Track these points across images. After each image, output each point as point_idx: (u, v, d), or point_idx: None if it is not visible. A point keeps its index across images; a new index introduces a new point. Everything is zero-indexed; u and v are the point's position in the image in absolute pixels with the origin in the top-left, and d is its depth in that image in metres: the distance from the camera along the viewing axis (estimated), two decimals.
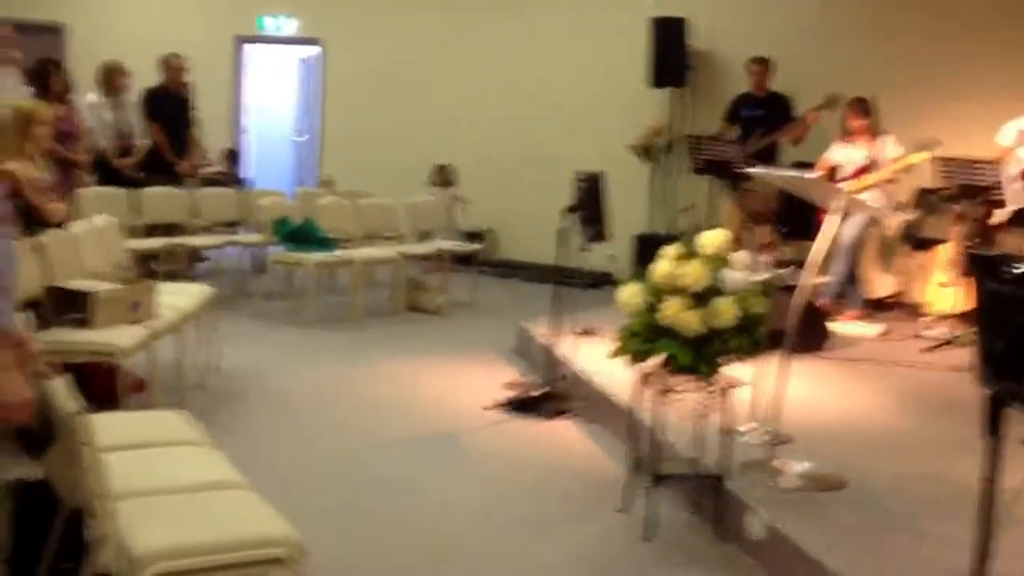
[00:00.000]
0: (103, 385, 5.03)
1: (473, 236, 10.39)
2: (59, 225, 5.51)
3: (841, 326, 7.40)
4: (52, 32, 12.14)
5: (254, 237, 9.07)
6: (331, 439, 5.28)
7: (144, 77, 9.04)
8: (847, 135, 7.84)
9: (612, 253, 9.31)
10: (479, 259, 9.59)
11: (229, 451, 3.44)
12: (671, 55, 9.92)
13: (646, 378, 4.11)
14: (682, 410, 4.11)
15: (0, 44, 7.24)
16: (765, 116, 8.89)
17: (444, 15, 11.54)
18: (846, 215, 4.96)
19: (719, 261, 4.00)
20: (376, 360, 6.96)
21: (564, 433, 5.58)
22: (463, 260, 9.56)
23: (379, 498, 4.51)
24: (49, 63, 7.93)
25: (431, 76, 11.57)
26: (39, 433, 2.71)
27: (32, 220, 5.31)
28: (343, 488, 4.61)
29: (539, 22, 11.05)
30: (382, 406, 5.91)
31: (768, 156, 8.62)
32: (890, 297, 8.56)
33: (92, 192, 8.01)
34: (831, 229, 4.44)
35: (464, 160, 11.13)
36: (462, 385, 6.42)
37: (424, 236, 9.47)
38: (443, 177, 10.52)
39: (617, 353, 4.13)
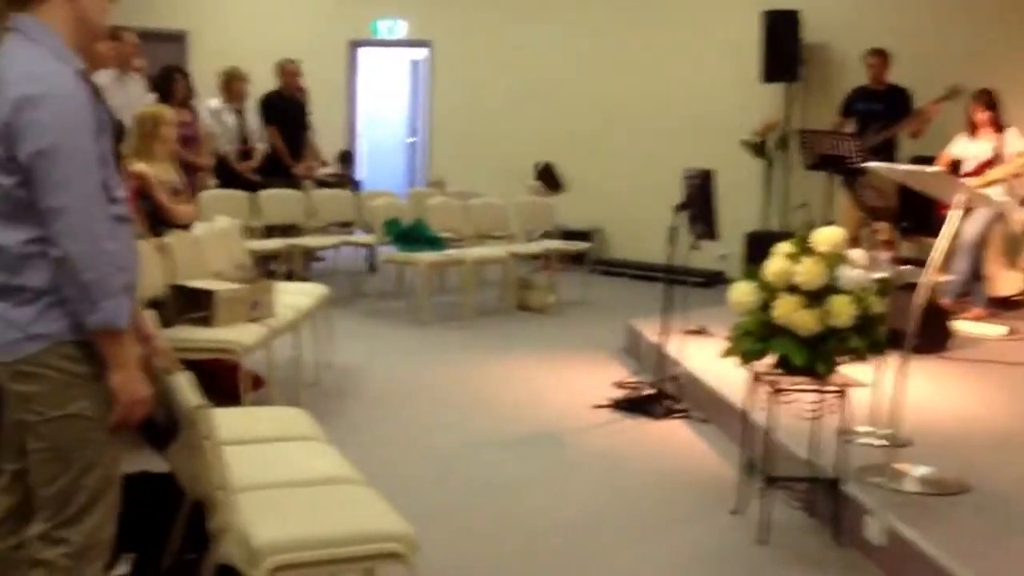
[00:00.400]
0: (224, 381, 5.17)
1: (582, 235, 10.38)
2: (186, 227, 5.69)
3: (964, 326, 7.17)
4: (175, 39, 12.53)
5: (367, 237, 9.22)
6: (441, 436, 5.33)
7: (262, 82, 9.26)
8: (971, 128, 7.61)
9: (723, 251, 9.24)
10: (589, 258, 9.58)
11: (342, 447, 3.51)
12: (784, 49, 9.76)
13: (759, 378, 4.06)
14: (797, 411, 4.04)
15: (127, 52, 7.49)
16: (883, 110, 8.68)
17: (550, 14, 11.54)
18: (969, 211, 4.82)
19: (835, 258, 3.92)
20: (486, 359, 7.01)
21: (675, 434, 5.53)
22: (572, 259, 9.56)
23: (488, 497, 4.54)
24: (173, 70, 8.20)
25: (538, 74, 11.60)
26: (164, 427, 2.80)
27: (160, 221, 5.49)
28: (452, 486, 4.66)
29: (648, 17, 10.98)
30: (491, 404, 5.95)
31: (886, 151, 8.41)
32: (1016, 296, 8.27)
33: (214, 195, 8.25)
34: (953, 225, 4.31)
35: (573, 158, 11.13)
36: (571, 384, 6.42)
37: (533, 236, 9.50)
38: (546, 175, 10.52)
39: (729, 353, 4.08)
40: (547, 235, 9.56)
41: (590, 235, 10.74)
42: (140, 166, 5.46)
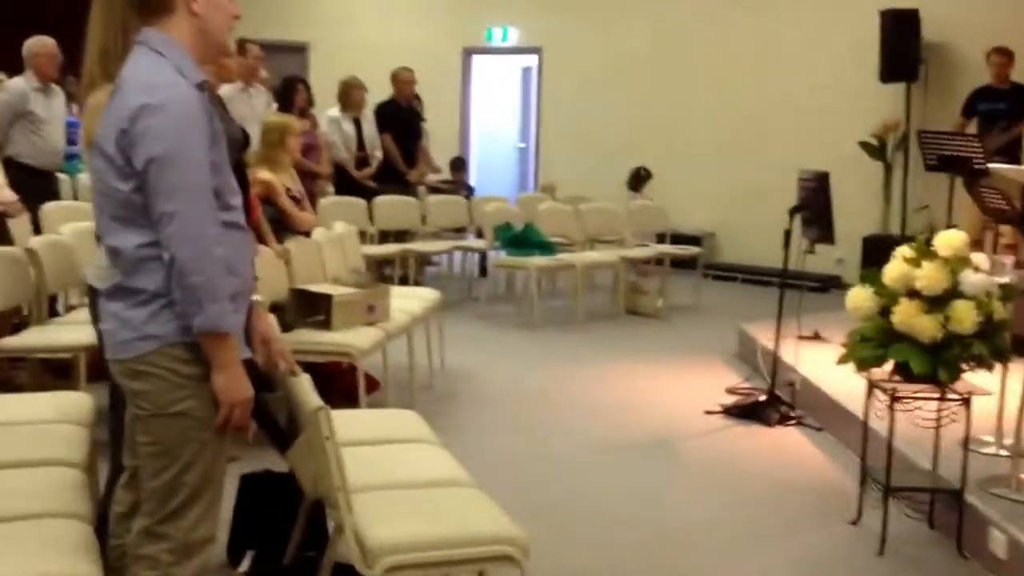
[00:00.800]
0: (342, 384, 5.30)
1: (694, 239, 10.30)
2: (307, 233, 5.85)
3: None
4: (297, 51, 12.85)
5: (479, 242, 9.31)
6: (551, 440, 5.36)
7: (380, 91, 9.42)
8: None
9: (839, 256, 9.08)
10: (701, 262, 9.51)
11: (453, 449, 3.57)
12: (903, 48, 9.54)
13: (877, 385, 3.98)
14: (917, 419, 3.95)
15: (252, 64, 7.73)
16: (1007, 109, 8.42)
17: (659, 19, 11.49)
18: None
19: (957, 263, 3.83)
20: (596, 363, 7.02)
21: (790, 441, 5.46)
22: (684, 263, 9.50)
23: (598, 502, 4.55)
24: (295, 80, 8.44)
25: (648, 78, 11.55)
26: (285, 427, 2.88)
27: (282, 227, 5.66)
28: (563, 490, 4.67)
29: (763, 18, 10.85)
30: (602, 408, 5.96)
31: (1010, 151, 8.15)
32: None
33: (332, 201, 8.44)
34: None
35: (684, 161, 11.07)
36: (683, 389, 6.39)
37: (644, 239, 9.48)
38: (639, 180, 10.47)
39: (846, 359, 4.01)
40: (659, 239, 9.53)
41: (702, 239, 10.65)
42: (265, 174, 5.64)
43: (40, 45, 6.32)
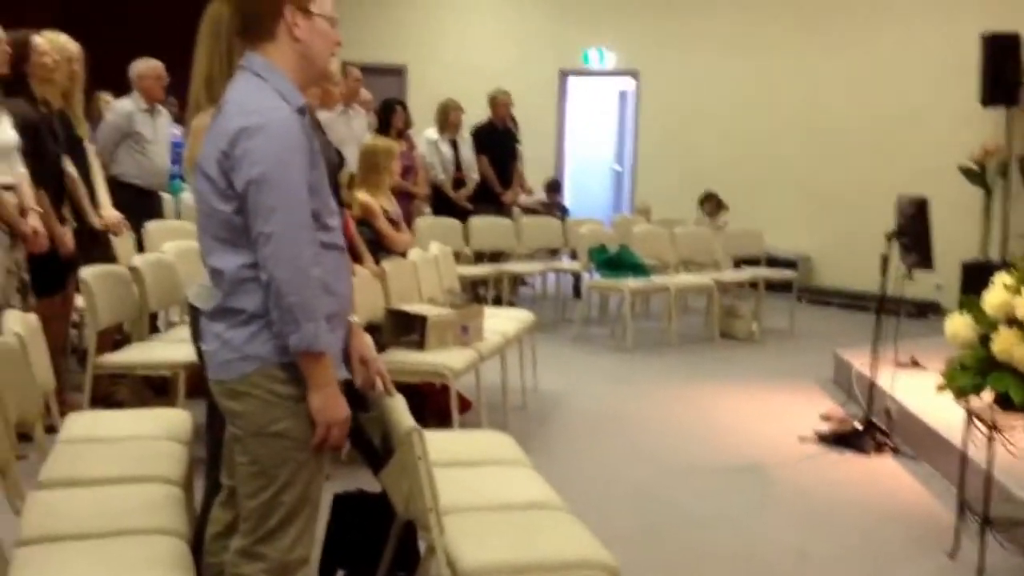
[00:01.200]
0: (435, 404, 5.36)
1: (789, 263, 10.18)
2: (403, 253, 5.94)
3: None
4: (396, 73, 13.05)
5: (573, 264, 9.33)
6: (642, 464, 5.34)
7: (477, 112, 9.53)
8: None
9: (938, 281, 8.88)
10: (796, 286, 9.39)
11: (546, 471, 3.58)
12: (1004, 72, 9.32)
13: (976, 414, 3.89)
14: (1018, 449, 3.85)
15: (352, 87, 7.88)
16: None
17: (756, 42, 11.40)
18: None
19: None
20: (688, 387, 6.98)
21: (885, 470, 5.36)
22: (779, 287, 9.39)
23: (688, 527, 4.52)
24: (394, 102, 8.60)
25: (744, 102, 11.47)
26: (379, 447, 2.93)
27: (379, 247, 5.76)
28: (654, 515, 4.66)
29: (860, 40, 10.69)
30: (695, 433, 5.92)
31: None
32: None
33: (428, 222, 8.56)
34: None
35: (780, 183, 10.96)
36: (775, 414, 6.32)
37: (738, 263, 9.40)
38: (712, 204, 10.35)
39: (944, 387, 3.93)
40: (754, 262, 9.44)
41: (798, 263, 10.51)
42: (364, 196, 5.75)
43: (147, 67, 6.51)
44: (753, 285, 9.01)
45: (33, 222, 4.69)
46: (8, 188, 4.62)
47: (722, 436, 5.87)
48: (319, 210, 2.51)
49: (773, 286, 9.22)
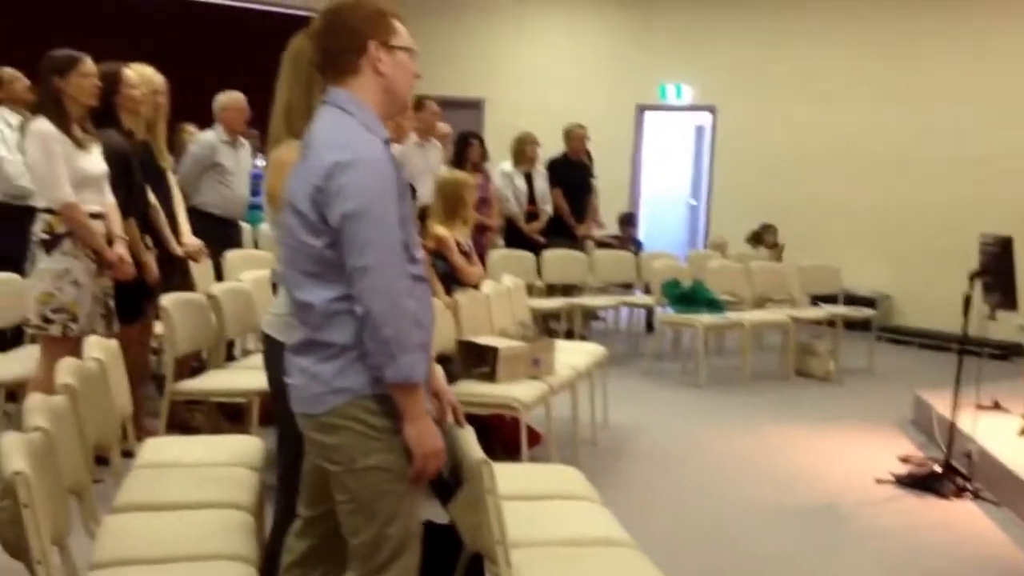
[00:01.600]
0: (505, 436, 5.35)
1: (868, 301, 10.00)
2: (475, 286, 5.97)
3: None
4: (473, 106, 13.16)
5: (646, 298, 9.29)
6: (712, 503, 5.27)
7: (553, 145, 9.56)
8: None
9: (1022, 322, 8.66)
10: (875, 325, 9.21)
11: (615, 507, 3.55)
12: None
13: None
14: None
15: (429, 120, 7.96)
16: None
17: (835, 77, 11.28)
18: None
19: None
20: (762, 424, 6.88)
21: (966, 515, 5.21)
22: (858, 325, 9.23)
23: (759, 568, 4.44)
24: (469, 136, 8.67)
25: (823, 138, 11.35)
26: (448, 479, 2.93)
27: (452, 279, 5.79)
28: (725, 554, 4.58)
29: (943, 76, 10.53)
30: (769, 472, 5.83)
31: None
32: None
33: (501, 254, 8.59)
34: None
35: (858, 221, 10.81)
36: (852, 456, 6.19)
37: (815, 300, 9.27)
38: (765, 238, 10.21)
39: None
40: (831, 300, 9.29)
41: (877, 301, 10.33)
42: (439, 229, 5.80)
43: (230, 100, 6.65)
44: (831, 323, 8.87)
45: (120, 250, 4.80)
46: (97, 216, 4.74)
47: (797, 476, 5.77)
48: (407, 242, 2.53)
49: (851, 324, 9.06)
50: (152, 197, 5.45)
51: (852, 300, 9.65)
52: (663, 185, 13.56)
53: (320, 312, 2.49)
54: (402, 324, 2.42)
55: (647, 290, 9.40)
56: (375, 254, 2.40)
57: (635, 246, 10.50)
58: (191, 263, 5.79)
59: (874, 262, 10.66)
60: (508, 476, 3.42)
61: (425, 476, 2.54)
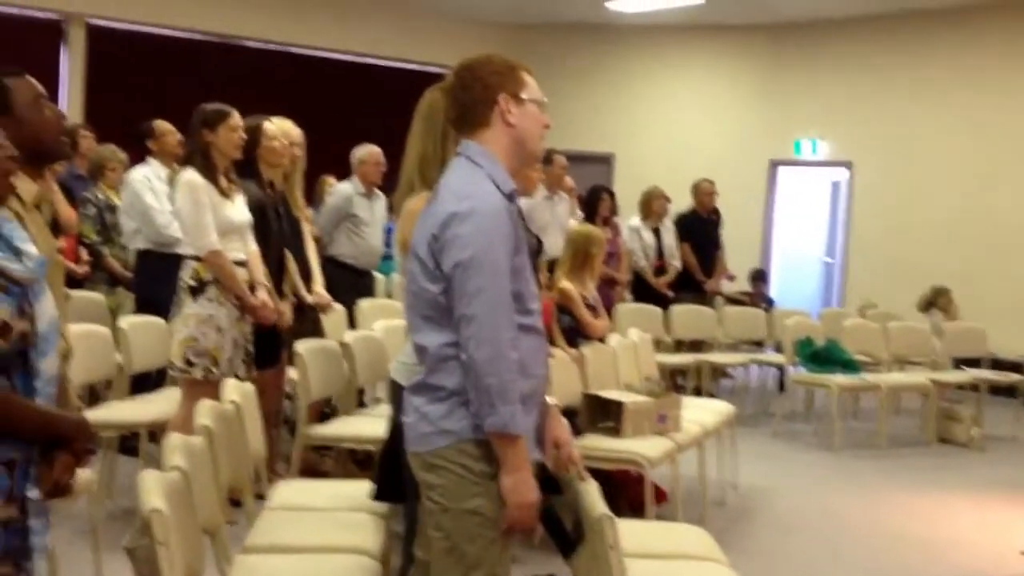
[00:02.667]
0: (629, 493, 5.30)
1: (1015, 365, 9.58)
2: (601, 339, 5.95)
3: None
4: (603, 161, 13.22)
5: (777, 356, 9.10)
6: (846, 570, 5.10)
7: (682, 200, 9.52)
8: None
9: None
10: (1022, 391, 8.82)
11: (742, 571, 3.47)
12: None
13: None
14: None
15: (557, 174, 8.02)
16: None
17: (977, 129, 10.96)
18: None
19: None
20: (900, 491, 6.64)
21: None
22: (1004, 391, 8.85)
23: None
24: (601, 190, 8.72)
25: (964, 192, 11.01)
26: (570, 532, 2.91)
27: (577, 333, 5.79)
28: None
29: None
30: (903, 542, 5.60)
31: None
32: None
33: (629, 308, 8.54)
34: None
35: (1003, 280, 10.41)
36: (997, 527, 5.92)
37: (958, 363, 8.93)
38: (939, 301, 9.83)
39: None
40: (974, 363, 8.94)
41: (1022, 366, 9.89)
42: (565, 283, 5.81)
43: (367, 153, 6.83)
44: (974, 388, 8.53)
45: (262, 296, 4.95)
46: (241, 264, 4.90)
47: (937, 547, 5.54)
48: (522, 293, 2.57)
49: (996, 390, 8.69)
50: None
51: (998, 364, 9.25)
52: (797, 241, 13.33)
53: (433, 356, 2.56)
54: (504, 374, 2.46)
55: (778, 348, 9.22)
56: (482, 303, 2.46)
57: (766, 303, 10.32)
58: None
59: (1019, 322, 10.22)
60: (632, 533, 3.38)
61: (517, 528, 2.56)
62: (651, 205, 9.09)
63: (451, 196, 2.55)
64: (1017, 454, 7.93)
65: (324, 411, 5.77)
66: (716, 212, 9.65)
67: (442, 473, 2.55)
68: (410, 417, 2.64)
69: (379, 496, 3.51)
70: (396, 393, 3.12)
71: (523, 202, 2.88)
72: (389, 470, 3.24)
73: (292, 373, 5.39)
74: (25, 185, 2.87)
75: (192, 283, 4.80)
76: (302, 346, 4.98)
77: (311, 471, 5.46)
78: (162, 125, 6.63)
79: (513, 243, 2.55)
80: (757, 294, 10.55)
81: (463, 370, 2.49)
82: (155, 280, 5.88)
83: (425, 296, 2.56)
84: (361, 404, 5.97)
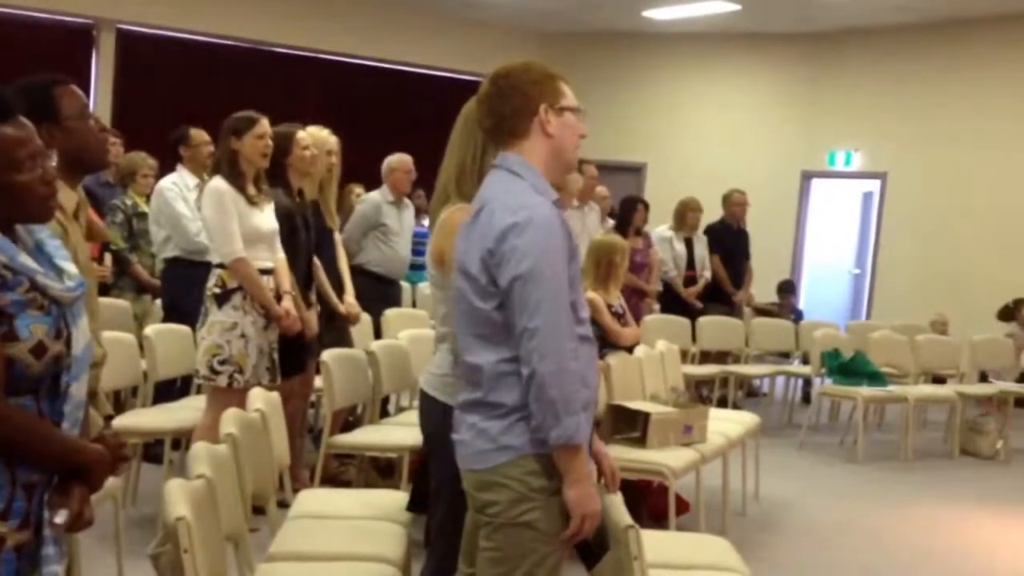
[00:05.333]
0: (653, 503, 5.29)
1: None
2: (630, 349, 5.95)
3: None
4: (634, 171, 13.22)
5: (803, 368, 9.06)
6: None
7: (715, 211, 9.50)
8: None
9: None
10: None
11: None
12: None
13: None
14: None
15: (588, 184, 8.03)
16: None
17: (1011, 141, 10.87)
18: None
19: None
20: (923, 504, 6.61)
21: None
22: None
23: None
24: (635, 200, 8.75)
25: (998, 204, 10.91)
26: (593, 543, 2.91)
27: (604, 342, 5.79)
28: None
29: None
30: (928, 554, 5.58)
31: None
32: None
33: (657, 319, 8.53)
34: None
35: None
36: (1020, 541, 5.86)
37: (985, 376, 8.86)
38: (1021, 310, 9.72)
39: None
40: (1005, 376, 8.88)
41: None
42: (591, 293, 5.81)
43: (398, 162, 6.85)
44: (1003, 401, 8.46)
45: (287, 304, 4.97)
46: (267, 272, 4.93)
47: (960, 560, 5.51)
48: (576, 303, 2.57)
49: (1023, 403, 8.62)
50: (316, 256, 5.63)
51: None
52: (826, 253, 13.25)
53: (490, 374, 2.54)
54: (568, 387, 2.45)
55: (805, 360, 9.18)
56: (544, 315, 2.44)
57: (794, 315, 10.28)
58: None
59: None
60: (655, 544, 3.37)
61: (580, 536, 2.55)
62: (685, 216, 9.07)
63: (503, 208, 2.51)
64: None
65: (348, 420, 5.80)
66: (744, 223, 9.61)
67: (499, 490, 2.53)
68: (464, 434, 2.61)
69: (412, 507, 3.53)
70: (428, 404, 3.13)
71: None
72: (422, 480, 3.26)
73: (319, 382, 5.42)
74: (64, 193, 2.86)
75: (217, 291, 4.82)
76: (328, 355, 5.01)
77: (334, 479, 5.48)
78: (198, 135, 6.55)
79: (568, 252, 2.55)
80: (785, 305, 10.51)
81: (524, 384, 2.47)
82: (182, 287, 5.90)
83: (479, 315, 2.54)
84: (385, 413, 5.99)
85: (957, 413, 8.14)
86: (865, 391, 7.75)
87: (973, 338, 9.01)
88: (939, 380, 9.04)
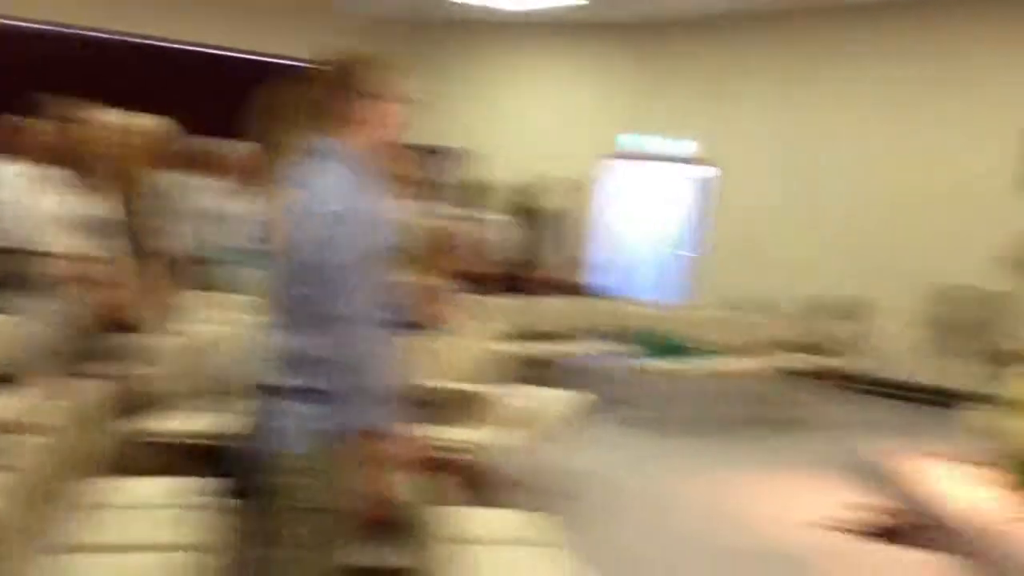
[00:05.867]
0: (477, 481, 5.35)
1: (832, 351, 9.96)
2: (443, 329, 5.96)
3: None
4: (455, 155, 13.17)
5: (621, 346, 9.29)
6: (678, 546, 5.34)
7: (535, 194, 9.60)
8: None
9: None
10: (860, 377, 9.24)
11: (584, 552, 3.58)
12: None
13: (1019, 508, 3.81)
14: None
15: (410, 168, 7.98)
16: None
17: (837, 135, 11.21)
18: None
19: None
20: (727, 471, 6.97)
21: (917, 565, 5.22)
22: (842, 376, 9.28)
23: None
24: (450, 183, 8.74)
25: (822, 201, 11.29)
26: (405, 522, 2.94)
27: (419, 325, 5.79)
28: None
29: (953, 139, 10.40)
30: (736, 518, 5.89)
31: None
32: None
33: (471, 299, 8.52)
34: None
35: (851, 286, 10.81)
36: (811, 502, 6.28)
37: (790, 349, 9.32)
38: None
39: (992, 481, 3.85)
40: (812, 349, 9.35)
41: (841, 352, 10.24)
42: (411, 274, 5.81)
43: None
44: (806, 373, 8.92)
45: (99, 294, 4.78)
46: (74, 259, 4.73)
47: (756, 522, 5.85)
48: (386, 289, 2.60)
49: (824, 375, 9.11)
50: None
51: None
52: (648, 234, 13.47)
53: (303, 357, 2.55)
54: (372, 373, 2.49)
55: (620, 338, 9.41)
56: (352, 303, 2.47)
57: (608, 293, 10.49)
58: None
59: None
60: (476, 520, 3.43)
61: (371, 521, 2.60)
62: (503, 198, 9.17)
63: (320, 196, 2.52)
64: (836, 435, 8.31)
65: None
66: (556, 205, 9.76)
67: (311, 473, 2.55)
68: (279, 420, 2.61)
69: (232, 494, 3.45)
70: (249, 391, 3.07)
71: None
72: (239, 467, 3.20)
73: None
74: None
75: (25, 278, 4.66)
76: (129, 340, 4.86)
77: (132, 467, 5.32)
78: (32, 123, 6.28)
79: (381, 241, 2.57)
80: (600, 285, 10.71)
81: (333, 370, 2.50)
82: None
83: (295, 298, 2.55)
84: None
85: (762, 386, 8.52)
86: (672, 366, 8.13)
87: (779, 317, 9.41)
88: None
